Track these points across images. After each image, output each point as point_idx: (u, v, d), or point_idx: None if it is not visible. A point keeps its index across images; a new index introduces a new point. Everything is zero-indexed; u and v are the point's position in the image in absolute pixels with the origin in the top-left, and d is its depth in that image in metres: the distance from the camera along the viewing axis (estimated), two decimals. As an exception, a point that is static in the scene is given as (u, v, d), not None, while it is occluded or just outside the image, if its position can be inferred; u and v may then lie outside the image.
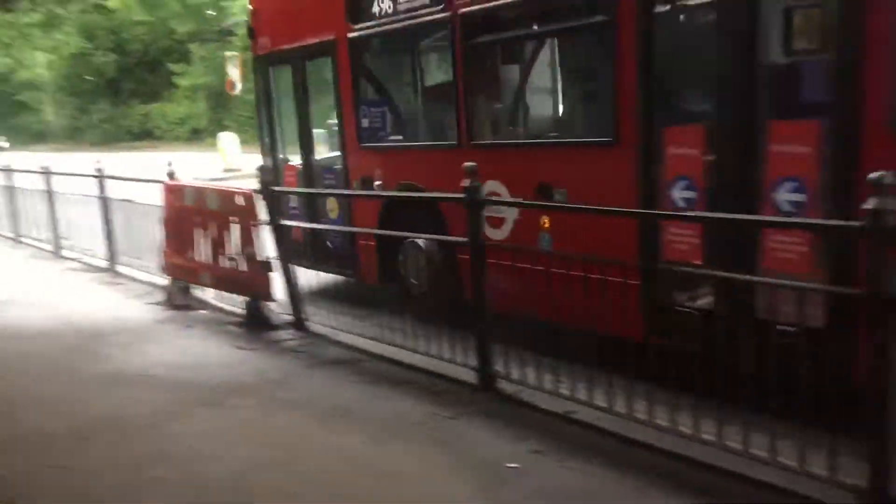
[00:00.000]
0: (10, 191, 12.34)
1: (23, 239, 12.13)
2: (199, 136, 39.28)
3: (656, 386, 3.92)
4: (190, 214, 7.31)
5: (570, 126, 6.41)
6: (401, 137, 7.20)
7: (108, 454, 4.28)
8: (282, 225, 6.58)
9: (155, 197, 7.96)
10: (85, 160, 11.33)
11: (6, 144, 42.92)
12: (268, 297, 6.62)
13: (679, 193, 4.62)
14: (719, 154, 4.50)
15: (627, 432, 4.06)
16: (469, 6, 5.83)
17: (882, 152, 3.68)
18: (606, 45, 5.00)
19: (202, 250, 7.19)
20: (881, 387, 3.00)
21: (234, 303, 7.19)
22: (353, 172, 7.33)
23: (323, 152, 8.23)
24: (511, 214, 5.60)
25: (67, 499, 3.80)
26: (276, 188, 6.65)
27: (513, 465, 3.88)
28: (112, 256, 9.53)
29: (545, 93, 6.64)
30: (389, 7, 6.61)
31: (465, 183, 4.73)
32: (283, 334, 6.43)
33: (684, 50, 4.95)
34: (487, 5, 5.70)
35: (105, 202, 9.44)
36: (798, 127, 4.14)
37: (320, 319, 6.37)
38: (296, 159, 8.37)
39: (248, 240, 6.62)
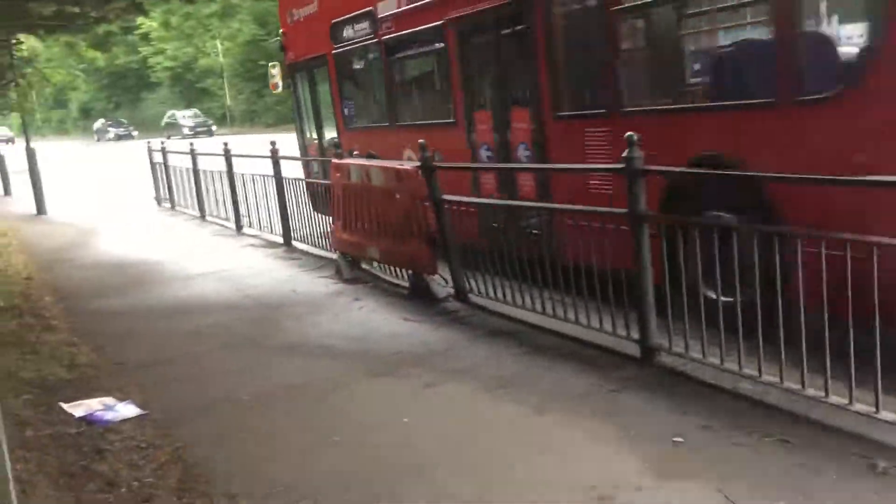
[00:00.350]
0: (196, 173, 13.34)
1: (208, 217, 13.11)
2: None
3: (837, 360, 3.72)
4: (356, 191, 7.62)
5: (436, 113, 8.76)
6: (365, 122, 10.43)
7: (289, 419, 4.60)
8: (443, 199, 6.72)
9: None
10: (261, 141, 12.02)
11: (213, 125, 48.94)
12: (431, 270, 6.81)
13: (483, 153, 7.82)
14: (496, 130, 7.61)
15: (800, 409, 3.88)
16: (386, 35, 9.10)
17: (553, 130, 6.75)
18: (443, 64, 8.41)
19: (368, 225, 7.49)
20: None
21: (400, 276, 7.46)
22: (344, 146, 9.52)
23: (330, 133, 11.35)
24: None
25: (257, 457, 4.12)
26: (437, 164, 6.80)
27: (679, 439, 3.82)
28: (287, 233, 10.12)
29: (430, 90, 9.25)
30: (351, 33, 9.91)
31: (625, 153, 4.65)
32: (447, 306, 6.61)
33: (480, 69, 8.08)
34: (394, 35, 8.99)
35: (279, 181, 10.02)
36: (520, 112, 7.21)
37: (482, 291, 6.49)
38: (315, 138, 11.78)
39: (411, 215, 6.82)
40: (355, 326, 6.34)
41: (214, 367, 5.65)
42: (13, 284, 8.66)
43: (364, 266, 8.17)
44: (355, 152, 9.66)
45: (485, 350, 5.45)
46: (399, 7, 8.76)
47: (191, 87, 56.59)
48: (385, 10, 9.03)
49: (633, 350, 4.94)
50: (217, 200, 12.53)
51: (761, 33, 5.40)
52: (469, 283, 6.68)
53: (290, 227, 10.05)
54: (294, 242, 10.01)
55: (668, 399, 4.29)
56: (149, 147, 16.01)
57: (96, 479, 3.96)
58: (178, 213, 14.48)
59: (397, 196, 6.99)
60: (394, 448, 4.07)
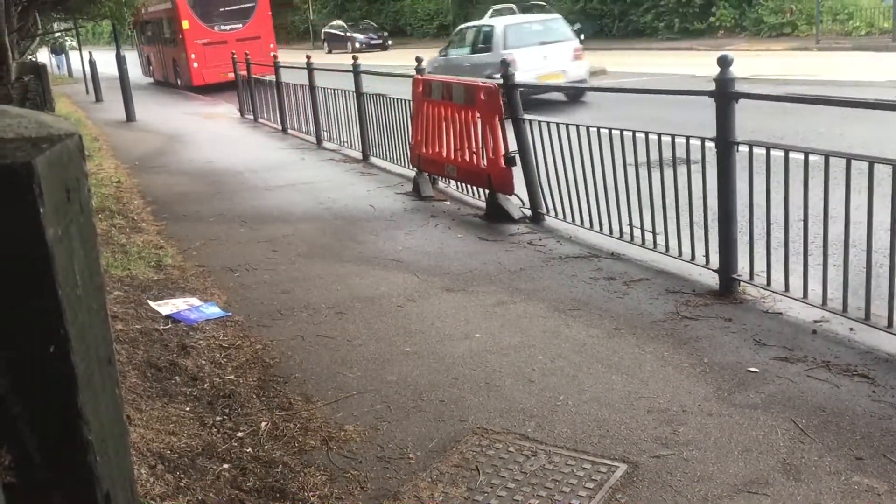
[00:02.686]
0: (279, 86, 13.45)
1: (289, 131, 13.27)
2: (445, 31, 40.00)
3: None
4: (437, 108, 7.57)
5: None
6: None
7: (364, 328, 4.71)
8: (523, 119, 6.63)
9: (405, 93, 8.32)
10: (346, 57, 11.97)
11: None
12: (509, 190, 6.77)
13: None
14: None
15: (886, 348, 3.77)
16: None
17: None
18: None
19: (447, 143, 7.46)
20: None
21: (477, 195, 7.44)
22: None
23: None
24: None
25: (332, 362, 4.26)
26: (518, 82, 6.68)
27: (754, 369, 3.77)
28: (365, 149, 10.17)
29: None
30: None
31: (716, 75, 4.47)
32: (522, 228, 6.59)
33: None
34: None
35: (359, 96, 10.02)
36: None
37: (559, 214, 6.44)
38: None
39: (490, 134, 6.76)
40: (430, 243, 6.39)
41: (293, 275, 5.80)
42: (104, 187, 8.99)
43: (441, 184, 8.18)
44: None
45: (559, 272, 5.44)
46: None
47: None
48: None
49: (713, 279, 4.85)
50: (298, 114, 12.65)
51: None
52: (546, 205, 6.63)
53: (368, 142, 10.09)
54: (373, 159, 10.07)
55: (745, 330, 4.22)
56: (233, 59, 16.16)
57: (181, 373, 4.16)
58: (260, 126, 14.69)
59: (477, 114, 6.92)
60: (464, 361, 4.14)
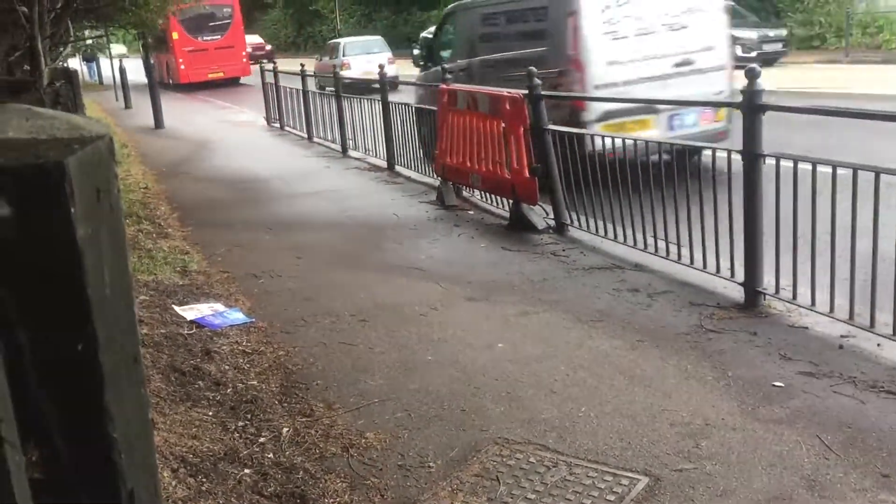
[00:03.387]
0: (305, 94, 13.55)
1: (314, 139, 13.36)
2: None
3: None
4: (462, 117, 7.59)
5: None
6: None
7: (386, 336, 4.72)
8: (547, 129, 6.62)
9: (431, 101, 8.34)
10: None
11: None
12: (532, 200, 6.76)
13: None
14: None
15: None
16: None
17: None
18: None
19: (472, 153, 7.47)
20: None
21: (500, 205, 7.44)
22: None
23: None
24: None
25: (353, 369, 4.27)
26: (543, 92, 6.68)
27: (779, 384, 3.73)
28: (391, 157, 10.22)
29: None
30: None
31: (742, 87, 4.45)
32: (546, 238, 6.58)
33: None
34: None
35: (385, 105, 10.07)
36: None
37: (582, 225, 6.42)
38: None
39: (515, 143, 6.76)
40: (454, 252, 6.39)
41: (316, 282, 5.83)
42: (132, 192, 9.10)
43: (465, 194, 8.19)
44: None
45: (582, 283, 5.42)
46: None
47: (303, 8, 56.95)
48: None
49: (738, 292, 4.81)
50: (324, 122, 12.73)
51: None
52: (570, 216, 6.61)
53: (394, 151, 10.14)
54: (397, 167, 10.11)
55: (770, 344, 4.18)
56: (261, 67, 16.32)
57: (205, 377, 4.19)
58: (287, 134, 14.81)
59: (502, 124, 6.92)
60: (485, 370, 4.13)
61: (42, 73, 3.62)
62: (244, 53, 30.41)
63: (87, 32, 20.32)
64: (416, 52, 13.36)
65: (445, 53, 10.60)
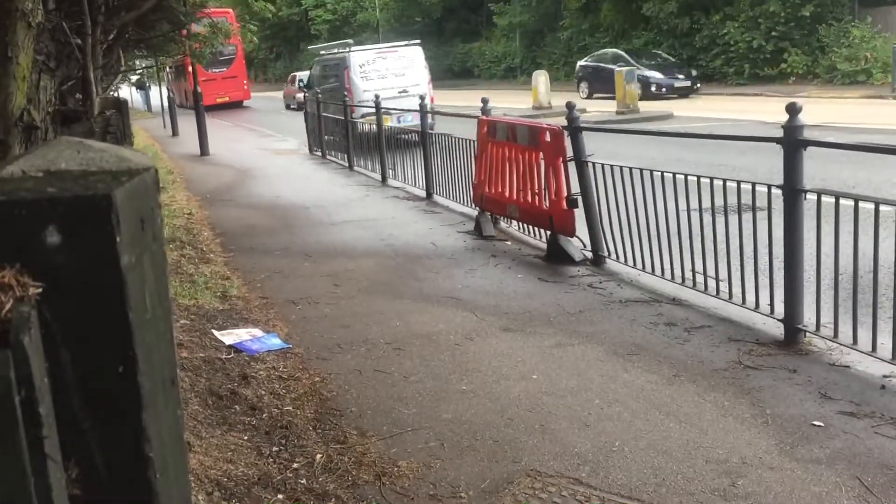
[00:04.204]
0: (347, 124, 13.75)
1: (355, 168, 13.52)
2: (512, 73, 40.35)
3: None
4: (501, 148, 7.64)
5: None
6: None
7: (420, 365, 4.73)
8: (586, 162, 6.64)
9: (470, 132, 8.42)
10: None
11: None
12: (570, 232, 6.76)
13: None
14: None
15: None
16: None
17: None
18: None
19: (510, 183, 7.50)
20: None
21: (538, 236, 7.45)
22: None
23: None
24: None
25: (388, 397, 4.29)
26: (582, 125, 6.70)
27: (819, 423, 3.66)
28: (429, 187, 10.30)
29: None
30: None
31: (784, 122, 4.43)
32: (583, 270, 6.56)
33: None
34: None
35: (424, 136, 10.17)
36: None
37: (620, 257, 6.40)
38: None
39: (554, 175, 6.78)
40: (490, 282, 6.40)
41: (353, 310, 5.88)
42: (176, 218, 9.29)
43: (503, 224, 8.21)
44: None
45: (618, 316, 5.38)
46: None
47: (344, 40, 58.04)
48: None
49: (777, 329, 4.75)
50: (365, 152, 12.90)
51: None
52: (607, 248, 6.59)
53: (432, 181, 10.21)
54: (436, 197, 10.18)
55: (810, 383, 4.11)
56: (305, 97, 16.61)
57: (241, 402, 4.24)
58: (328, 162, 15.01)
59: (541, 155, 6.95)
60: (519, 402, 4.12)
61: (93, 102, 3.75)
62: (245, 82, 37.70)
63: (137, 62, 20.91)
64: (302, 83, 22.03)
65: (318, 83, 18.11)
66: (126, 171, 0.74)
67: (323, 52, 20.63)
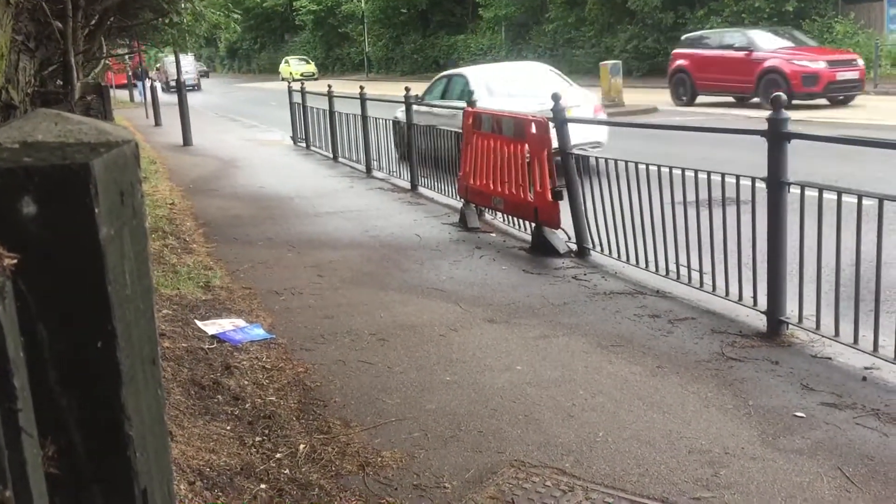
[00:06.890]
0: (332, 115, 13.69)
1: (340, 159, 13.46)
2: (498, 66, 40.32)
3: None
4: (486, 140, 7.63)
5: None
6: None
7: (405, 356, 4.72)
8: (571, 154, 6.64)
9: (455, 124, 8.40)
10: (396, 88, 12.17)
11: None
12: (555, 224, 6.76)
13: None
14: None
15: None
16: None
17: None
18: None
19: (495, 175, 7.49)
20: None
21: (522, 228, 7.45)
22: None
23: None
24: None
25: (372, 388, 4.27)
26: (568, 117, 6.70)
27: (801, 414, 3.68)
28: (414, 178, 10.27)
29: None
30: None
31: (769, 115, 4.44)
32: (567, 262, 6.56)
33: None
34: None
35: (408, 127, 10.14)
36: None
37: (604, 249, 6.40)
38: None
39: (538, 167, 6.77)
40: (475, 274, 6.40)
41: (337, 301, 5.86)
42: (159, 208, 9.21)
43: (488, 216, 8.20)
44: None
45: (602, 308, 5.39)
46: None
47: (332, 31, 57.73)
48: None
49: (760, 321, 4.77)
50: (349, 143, 12.85)
51: None
52: (592, 240, 6.60)
53: (417, 172, 10.19)
54: (420, 188, 10.15)
55: (793, 374, 4.13)
56: (289, 88, 16.51)
57: (224, 392, 4.21)
58: (312, 153, 14.94)
59: (526, 147, 6.95)
60: (504, 393, 4.12)
61: (74, 86, 3.70)
62: None
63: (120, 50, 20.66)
64: None
65: None
66: (105, 143, 0.72)
67: None
